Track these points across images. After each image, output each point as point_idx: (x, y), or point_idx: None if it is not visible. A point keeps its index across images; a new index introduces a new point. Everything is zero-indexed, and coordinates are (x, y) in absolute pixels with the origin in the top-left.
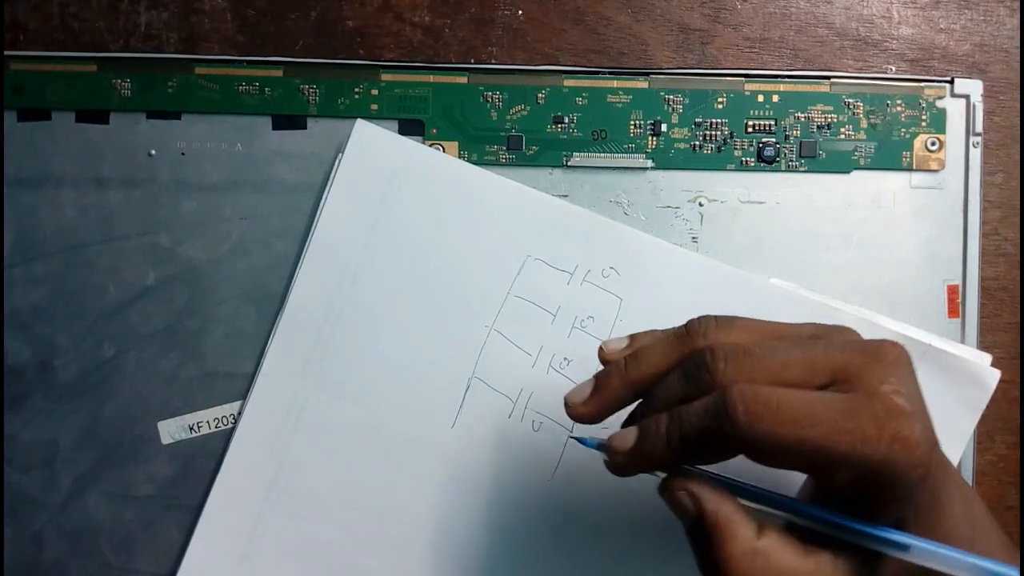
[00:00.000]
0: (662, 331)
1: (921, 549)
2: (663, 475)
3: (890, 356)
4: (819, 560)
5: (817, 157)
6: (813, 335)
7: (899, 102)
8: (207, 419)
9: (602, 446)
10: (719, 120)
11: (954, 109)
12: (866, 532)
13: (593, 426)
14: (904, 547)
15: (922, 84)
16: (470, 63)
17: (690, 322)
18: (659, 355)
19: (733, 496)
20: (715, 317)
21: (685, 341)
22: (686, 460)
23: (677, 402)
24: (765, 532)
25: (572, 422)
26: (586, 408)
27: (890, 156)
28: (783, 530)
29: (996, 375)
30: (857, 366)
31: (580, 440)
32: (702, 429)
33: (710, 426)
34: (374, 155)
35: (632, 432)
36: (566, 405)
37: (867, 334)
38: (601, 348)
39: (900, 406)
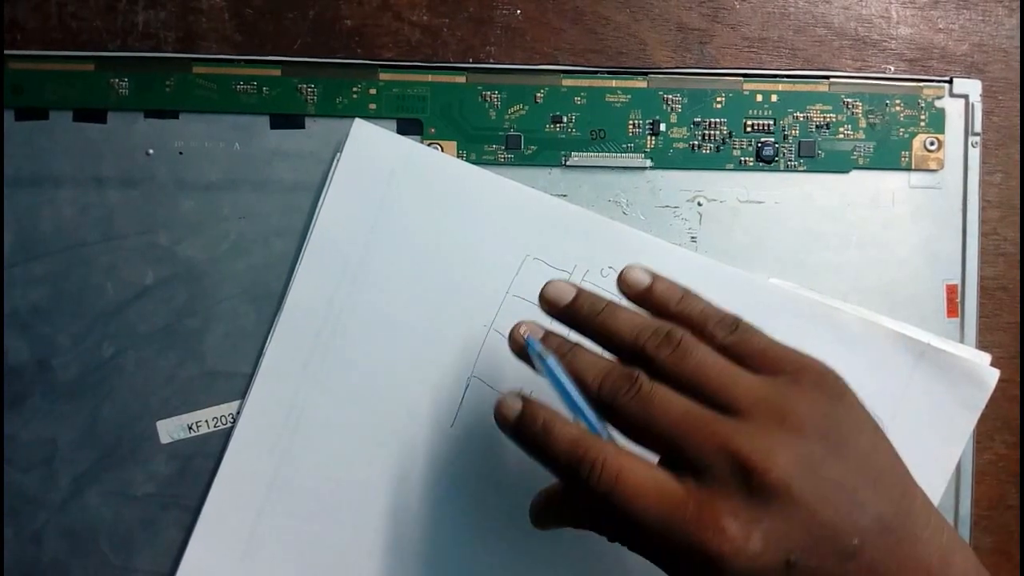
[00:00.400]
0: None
1: None
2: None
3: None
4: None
5: (816, 157)
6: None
7: (898, 102)
8: (206, 418)
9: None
10: (718, 120)
11: (953, 109)
12: None
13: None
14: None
15: (921, 84)
16: (468, 62)
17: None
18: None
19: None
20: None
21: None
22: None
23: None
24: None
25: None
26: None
27: (889, 156)
28: None
29: (995, 374)
30: (706, 449)
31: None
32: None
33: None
34: (372, 154)
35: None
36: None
37: (868, 334)
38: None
39: (721, 520)
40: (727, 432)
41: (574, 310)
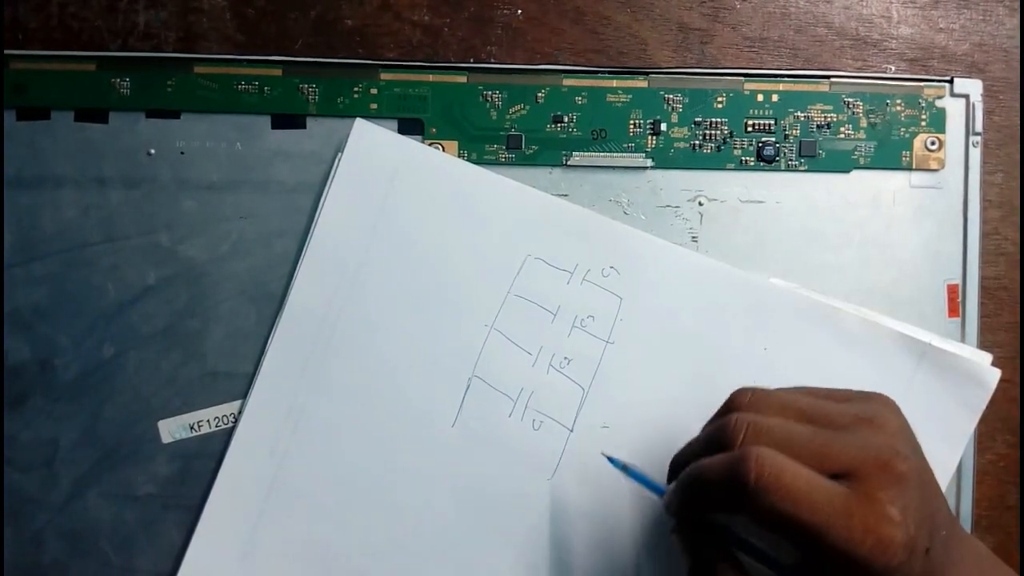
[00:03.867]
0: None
1: None
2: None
3: (897, 471)
4: None
5: (817, 156)
6: (847, 421)
7: (899, 102)
8: (207, 418)
9: (636, 476)
10: (719, 119)
11: (954, 109)
12: None
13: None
14: None
15: (922, 84)
16: (469, 62)
17: (732, 394)
18: (714, 464)
19: (728, 549)
20: (753, 391)
21: (721, 414)
22: (702, 508)
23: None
24: None
25: (573, 420)
26: (671, 505)
27: (890, 155)
28: None
29: (996, 374)
30: (866, 471)
31: (610, 460)
32: (718, 486)
33: (723, 483)
34: (374, 154)
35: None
36: (664, 498)
37: (869, 334)
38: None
39: (890, 515)
40: (851, 441)
41: (680, 500)
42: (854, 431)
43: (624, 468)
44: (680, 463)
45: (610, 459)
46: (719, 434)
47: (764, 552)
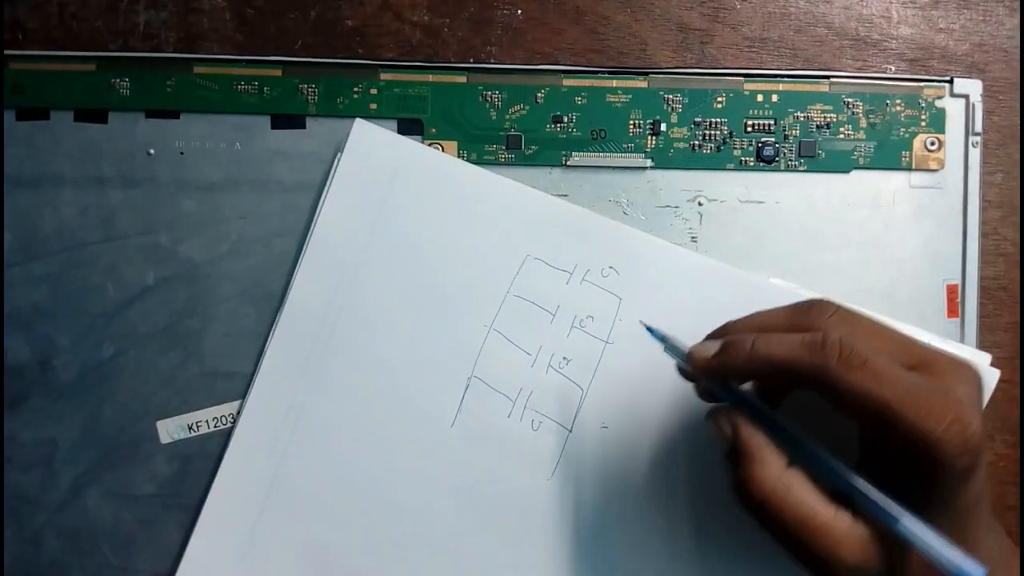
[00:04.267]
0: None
1: (909, 526)
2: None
3: (972, 375)
4: (838, 514)
5: (816, 157)
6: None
7: (898, 102)
8: (206, 419)
9: (673, 349)
10: (718, 120)
11: (953, 109)
12: (867, 494)
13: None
14: (894, 519)
15: (921, 84)
16: (469, 63)
17: (812, 301)
18: (785, 344)
19: (768, 432)
20: (835, 304)
21: (804, 315)
22: (758, 381)
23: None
24: (793, 469)
25: (572, 420)
26: (707, 363)
27: (889, 156)
28: (810, 479)
29: (995, 374)
30: (943, 366)
31: (649, 329)
32: (793, 359)
33: (801, 358)
34: (373, 155)
35: (715, 344)
36: (690, 355)
37: None
38: (691, 353)
39: (967, 403)
40: (931, 349)
41: (726, 355)
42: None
43: (663, 340)
44: (740, 329)
45: (649, 328)
46: (805, 308)
47: (791, 432)
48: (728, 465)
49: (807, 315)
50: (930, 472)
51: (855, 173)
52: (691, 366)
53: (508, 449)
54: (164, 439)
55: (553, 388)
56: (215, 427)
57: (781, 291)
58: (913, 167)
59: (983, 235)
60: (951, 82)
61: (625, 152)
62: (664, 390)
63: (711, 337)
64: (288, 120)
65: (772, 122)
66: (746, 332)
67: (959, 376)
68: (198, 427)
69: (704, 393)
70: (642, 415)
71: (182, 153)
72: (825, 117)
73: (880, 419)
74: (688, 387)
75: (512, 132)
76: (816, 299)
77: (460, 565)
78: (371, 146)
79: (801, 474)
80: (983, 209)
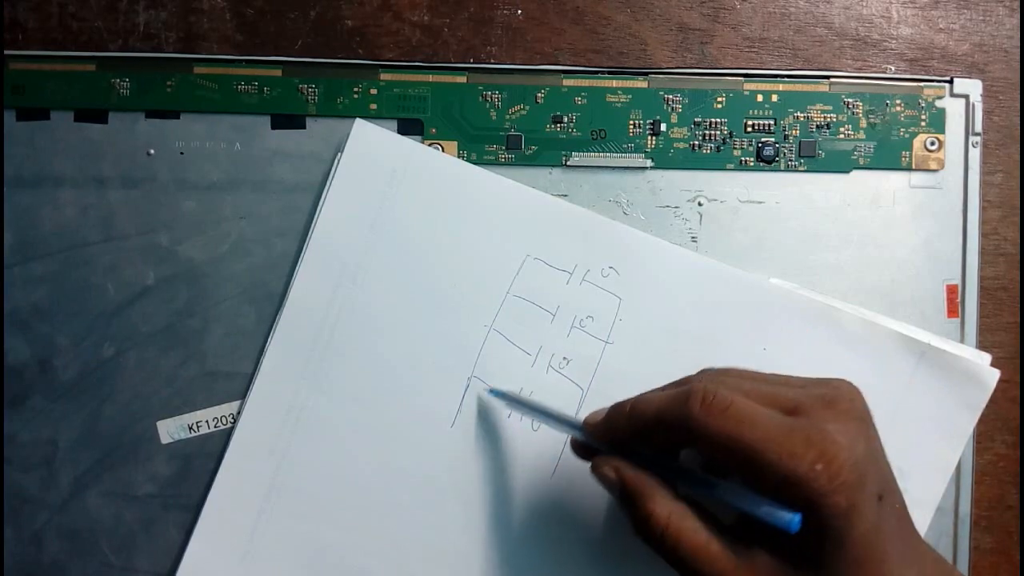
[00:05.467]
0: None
1: (726, 489)
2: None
3: (843, 406)
4: (733, 544)
5: (816, 157)
6: (806, 401)
7: (898, 102)
8: (206, 419)
9: (538, 412)
10: (718, 120)
11: (953, 109)
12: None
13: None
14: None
15: (921, 84)
16: (469, 63)
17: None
18: (655, 400)
19: (649, 471)
20: (711, 368)
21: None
22: (642, 441)
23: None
24: (681, 501)
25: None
26: (597, 427)
27: (889, 156)
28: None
29: (995, 374)
30: (811, 406)
31: (491, 391)
32: (662, 410)
33: (669, 409)
34: (373, 154)
35: (603, 411)
36: (585, 422)
37: (868, 334)
38: (586, 421)
39: (833, 436)
40: (801, 392)
41: (609, 420)
42: (804, 386)
43: (500, 395)
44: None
45: (492, 391)
46: (678, 382)
47: (698, 477)
48: (624, 508)
49: (686, 380)
50: (808, 515)
51: (855, 173)
52: (585, 430)
53: (508, 449)
54: (164, 439)
55: (553, 388)
56: (215, 427)
57: (780, 291)
58: (913, 167)
59: (983, 235)
60: (951, 82)
61: (625, 152)
62: None
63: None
64: (288, 120)
65: (772, 122)
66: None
67: (831, 414)
68: (198, 427)
69: (577, 449)
70: None
71: (182, 153)
72: (825, 117)
73: (747, 464)
74: None
75: (512, 132)
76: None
77: (461, 565)
78: (371, 146)
79: (690, 508)
80: (983, 209)
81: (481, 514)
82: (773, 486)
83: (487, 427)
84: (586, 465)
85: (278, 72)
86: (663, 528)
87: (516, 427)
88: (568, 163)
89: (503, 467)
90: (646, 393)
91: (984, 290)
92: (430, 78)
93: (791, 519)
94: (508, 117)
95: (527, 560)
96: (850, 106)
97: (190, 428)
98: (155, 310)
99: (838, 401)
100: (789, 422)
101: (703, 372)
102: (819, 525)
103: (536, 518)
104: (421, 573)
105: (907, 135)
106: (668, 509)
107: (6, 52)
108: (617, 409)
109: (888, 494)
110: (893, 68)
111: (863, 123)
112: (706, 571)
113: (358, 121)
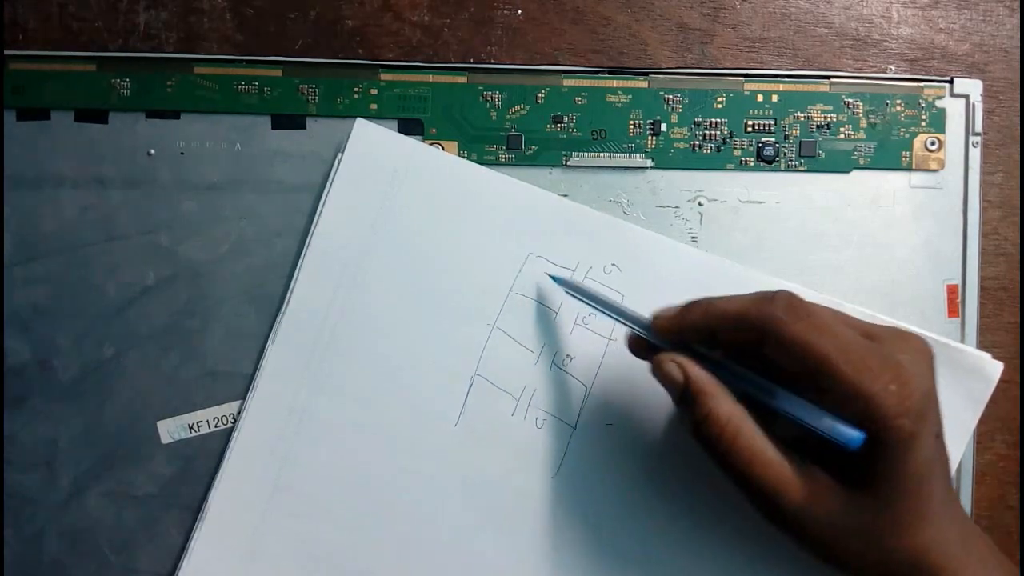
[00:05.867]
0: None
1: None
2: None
3: (915, 344)
4: (788, 454)
5: (817, 157)
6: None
7: (899, 102)
8: (206, 418)
9: (607, 305)
10: (719, 120)
11: (954, 109)
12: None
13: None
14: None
15: (922, 84)
16: (469, 63)
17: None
18: (737, 299)
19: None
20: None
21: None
22: (710, 342)
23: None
24: (742, 405)
25: (576, 418)
26: (668, 321)
27: (890, 156)
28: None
29: (999, 367)
30: (887, 337)
31: (553, 277)
32: (742, 312)
33: (750, 309)
34: (374, 154)
35: (675, 307)
36: (654, 317)
37: None
38: (656, 315)
39: (906, 366)
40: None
41: (683, 315)
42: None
43: (575, 288)
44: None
45: (554, 278)
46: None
47: (762, 383)
48: (683, 409)
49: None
50: (871, 434)
51: (855, 173)
52: (654, 326)
53: (512, 447)
54: (164, 439)
55: (557, 386)
56: (215, 427)
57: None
58: (913, 167)
59: (983, 235)
60: (951, 82)
61: (625, 152)
62: None
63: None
64: (288, 120)
65: (772, 122)
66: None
67: (905, 346)
68: (198, 427)
69: (632, 345)
70: (646, 412)
71: (182, 153)
72: (825, 117)
73: (819, 372)
74: None
75: (512, 132)
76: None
77: (465, 564)
78: (372, 146)
79: (749, 413)
80: (983, 209)
81: (485, 512)
82: (841, 399)
83: (490, 425)
84: (590, 463)
85: (278, 72)
86: (720, 428)
87: (520, 425)
88: (568, 163)
89: (507, 465)
90: (723, 296)
91: (984, 290)
92: (430, 78)
93: (856, 436)
94: (508, 117)
95: (531, 558)
96: (850, 106)
97: (190, 428)
98: (155, 310)
99: (911, 339)
100: (866, 342)
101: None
102: (880, 447)
103: (540, 516)
104: (426, 572)
105: (907, 135)
106: (728, 411)
107: (6, 52)
108: (693, 305)
109: (942, 436)
110: (893, 68)
111: (863, 123)
112: (759, 476)
113: (359, 121)
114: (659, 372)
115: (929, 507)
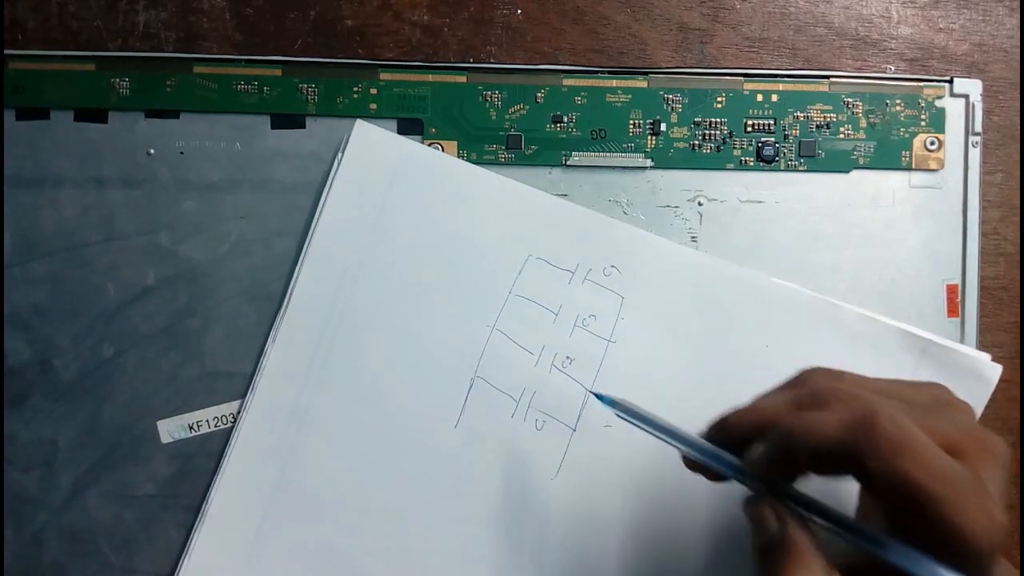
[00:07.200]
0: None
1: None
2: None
3: (995, 451)
4: None
5: (816, 156)
6: (924, 402)
7: (898, 101)
8: (206, 418)
9: (624, 408)
10: (718, 119)
11: (953, 109)
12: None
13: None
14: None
15: (921, 84)
16: (469, 62)
17: (800, 372)
18: (775, 395)
19: (812, 531)
20: (822, 368)
21: (792, 386)
22: (796, 470)
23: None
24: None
25: (576, 420)
26: (759, 466)
27: (889, 155)
28: None
29: (998, 369)
30: (973, 452)
31: (599, 396)
32: (838, 443)
33: (846, 442)
34: (374, 155)
35: (760, 447)
36: (747, 464)
37: (870, 331)
38: (747, 463)
39: (996, 492)
40: (942, 417)
41: (769, 454)
42: (936, 411)
43: (610, 402)
44: (741, 425)
45: (599, 396)
46: (807, 394)
47: (869, 535)
48: (758, 557)
49: (807, 387)
50: (951, 556)
51: (855, 173)
52: (749, 474)
53: (512, 449)
54: (164, 439)
55: (556, 388)
56: (215, 427)
57: (783, 288)
58: (913, 167)
59: (983, 235)
60: (951, 82)
61: (625, 152)
62: (667, 388)
63: (724, 430)
64: (288, 120)
65: (772, 122)
66: (750, 422)
67: (989, 461)
68: (198, 427)
69: (689, 464)
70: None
71: (182, 153)
72: (825, 117)
73: (913, 504)
74: (693, 381)
75: (512, 132)
76: (805, 369)
77: (465, 565)
78: (372, 147)
79: None
80: (983, 209)
81: (484, 514)
82: (930, 525)
83: (490, 427)
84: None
85: (278, 72)
86: None
87: (519, 427)
88: (568, 163)
89: (506, 467)
90: (798, 422)
91: (984, 290)
92: (430, 78)
93: None
94: (508, 117)
95: (531, 560)
96: (850, 106)
97: (190, 428)
98: (155, 310)
99: (989, 442)
100: (961, 469)
101: (816, 370)
102: (957, 565)
103: (540, 518)
104: (426, 574)
105: (907, 135)
106: None
107: (6, 52)
108: (774, 439)
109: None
110: (893, 68)
111: (863, 123)
112: None
113: (359, 122)
114: (752, 518)
115: None
